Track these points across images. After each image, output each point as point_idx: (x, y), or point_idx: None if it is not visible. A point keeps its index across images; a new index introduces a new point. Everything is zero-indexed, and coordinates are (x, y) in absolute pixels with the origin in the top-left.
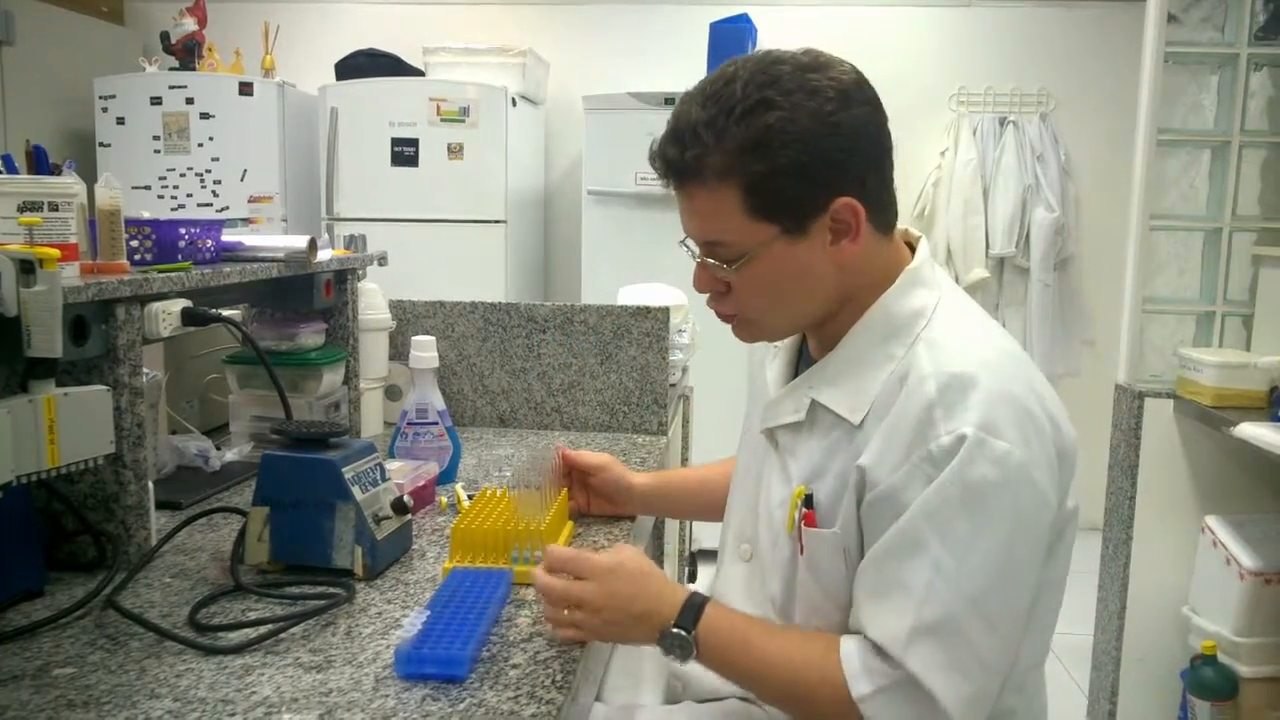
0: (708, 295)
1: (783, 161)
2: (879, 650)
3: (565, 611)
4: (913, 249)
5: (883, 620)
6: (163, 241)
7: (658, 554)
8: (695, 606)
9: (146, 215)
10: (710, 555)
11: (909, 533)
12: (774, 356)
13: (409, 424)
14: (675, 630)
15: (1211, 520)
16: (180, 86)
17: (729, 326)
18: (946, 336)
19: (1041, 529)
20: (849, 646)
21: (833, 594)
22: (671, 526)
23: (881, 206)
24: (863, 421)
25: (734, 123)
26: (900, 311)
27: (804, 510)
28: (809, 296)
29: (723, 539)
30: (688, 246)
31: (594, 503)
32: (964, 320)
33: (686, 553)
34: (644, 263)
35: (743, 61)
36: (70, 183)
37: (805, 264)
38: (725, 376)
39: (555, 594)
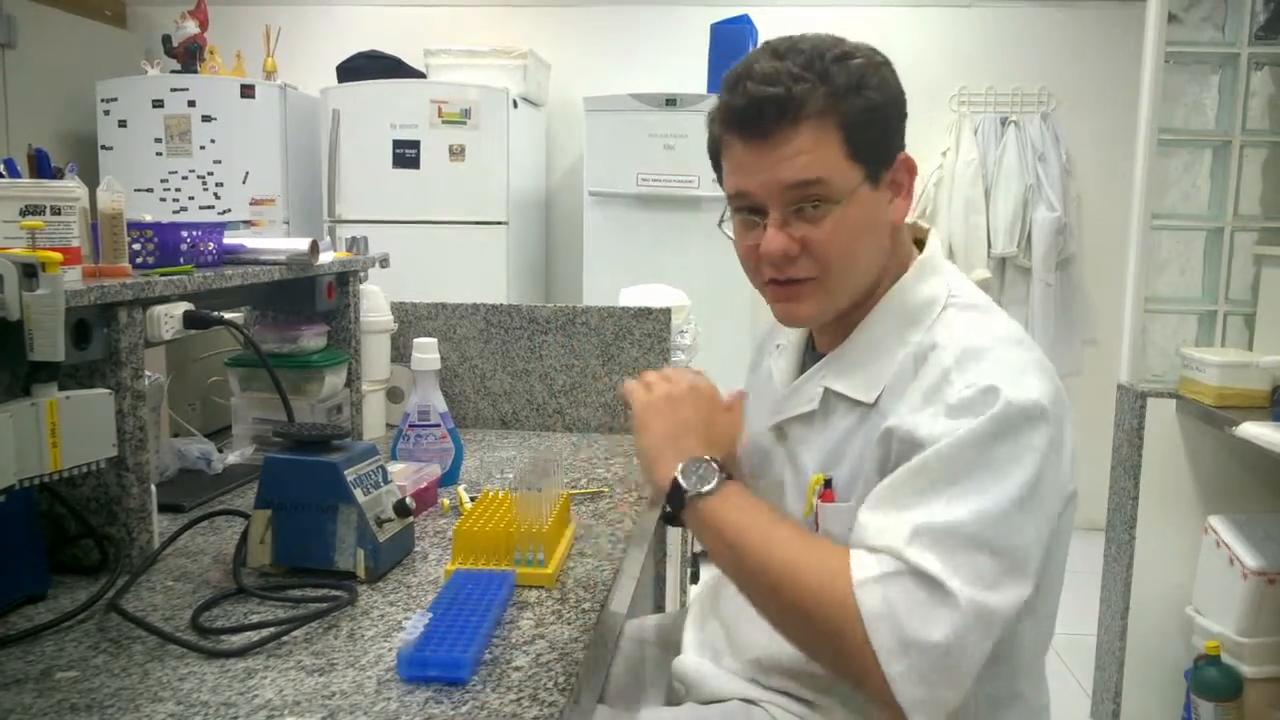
0: (771, 265)
1: (873, 102)
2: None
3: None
4: (921, 243)
5: (885, 525)
6: (165, 244)
7: (661, 555)
8: (724, 467)
9: (148, 218)
10: None
11: (930, 464)
12: (779, 355)
13: (411, 426)
14: (705, 458)
15: (1214, 520)
16: (182, 89)
17: (728, 325)
18: (961, 319)
19: (1058, 488)
20: (857, 549)
21: None
22: (673, 528)
23: None
24: (877, 400)
25: (832, 64)
26: (915, 299)
27: (822, 491)
28: (873, 256)
29: None
30: (724, 231)
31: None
32: (977, 307)
33: (689, 554)
34: (645, 264)
35: (795, 35)
36: (72, 186)
37: (875, 217)
38: (727, 377)
39: (665, 373)
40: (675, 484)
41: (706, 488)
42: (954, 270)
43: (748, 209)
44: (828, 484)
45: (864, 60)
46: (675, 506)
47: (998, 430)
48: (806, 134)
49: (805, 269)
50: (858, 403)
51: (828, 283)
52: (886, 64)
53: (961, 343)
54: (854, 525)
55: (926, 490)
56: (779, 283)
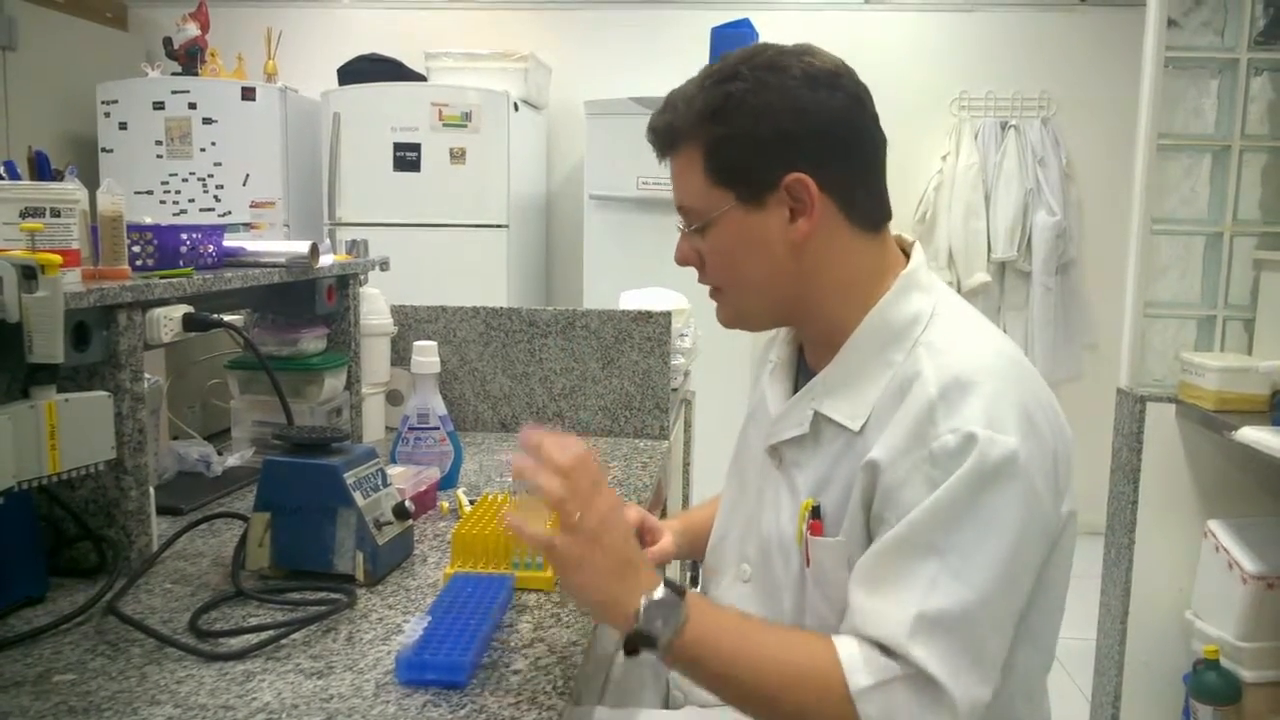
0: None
1: (736, 129)
2: (881, 647)
3: (561, 511)
4: (907, 254)
5: (884, 613)
6: (164, 247)
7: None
8: (677, 585)
9: (148, 221)
10: None
11: (913, 531)
12: (771, 372)
13: (410, 429)
14: (665, 592)
15: (1214, 524)
16: (183, 92)
17: (729, 330)
18: (945, 341)
19: (1042, 530)
20: (847, 641)
21: (840, 607)
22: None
23: (854, 198)
24: (863, 428)
25: (704, 89)
26: (897, 317)
27: (810, 521)
28: (767, 274)
29: (715, 561)
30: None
31: None
32: (962, 324)
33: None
34: (646, 267)
35: (737, 51)
36: (72, 188)
37: (760, 237)
38: (727, 381)
39: (573, 478)
40: (641, 633)
41: (675, 626)
42: (938, 283)
43: None
44: (816, 512)
45: (743, 86)
46: (648, 649)
47: (975, 488)
48: (678, 160)
49: (706, 279)
50: (845, 428)
51: (729, 295)
52: (792, 84)
53: (945, 373)
54: (845, 598)
55: (914, 562)
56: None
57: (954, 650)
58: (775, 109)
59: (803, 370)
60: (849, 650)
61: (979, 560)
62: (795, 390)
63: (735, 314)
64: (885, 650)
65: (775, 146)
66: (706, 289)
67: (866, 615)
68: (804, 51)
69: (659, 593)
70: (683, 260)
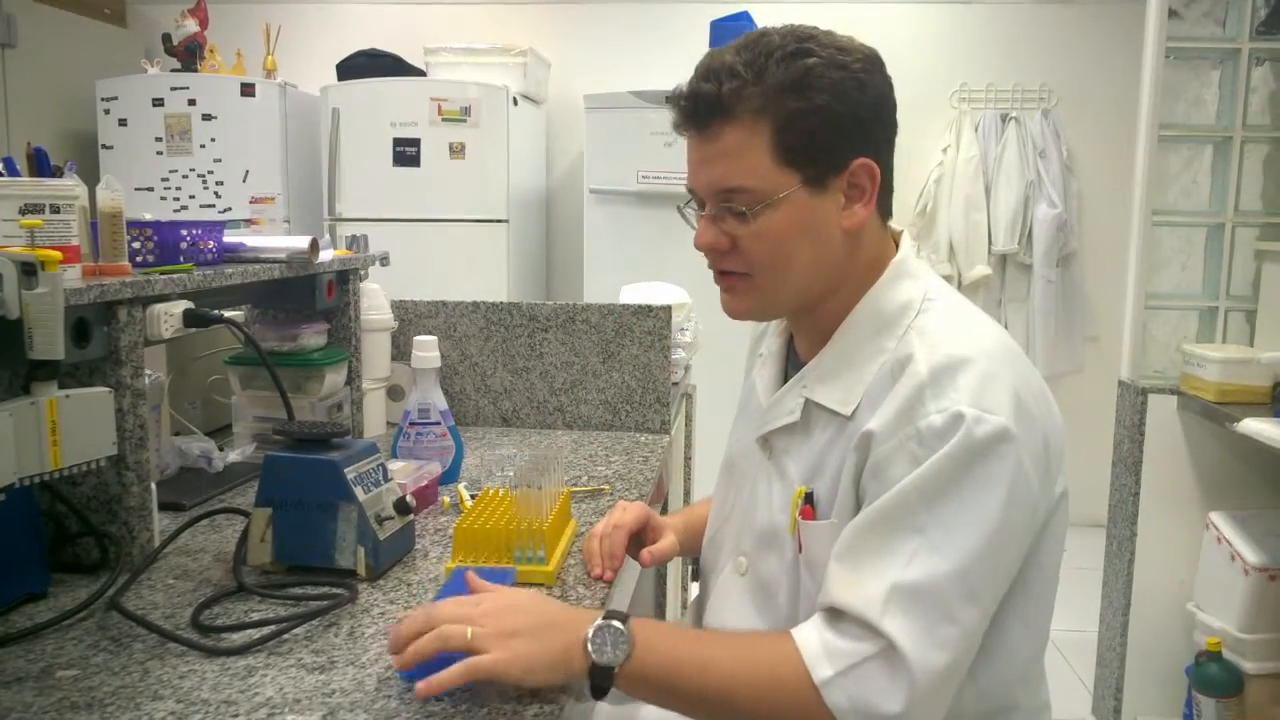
0: (709, 254)
1: (818, 104)
2: (845, 623)
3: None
4: (895, 244)
5: (860, 583)
6: (164, 243)
7: None
8: (618, 612)
9: (148, 217)
10: None
11: (896, 505)
12: (761, 365)
13: (411, 424)
14: (607, 622)
15: (1215, 516)
16: (182, 88)
17: (731, 325)
18: (937, 326)
19: (1028, 511)
20: (804, 632)
21: None
22: None
23: (889, 185)
24: (854, 412)
25: (774, 63)
26: (889, 304)
27: (802, 506)
28: (814, 260)
29: (711, 556)
30: (684, 215)
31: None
32: (953, 310)
33: None
34: (646, 261)
35: (773, 26)
36: (72, 185)
37: (818, 222)
38: (728, 375)
39: (435, 617)
40: (595, 667)
41: (625, 649)
42: (928, 271)
43: (695, 200)
44: (809, 498)
45: (820, 60)
46: (607, 681)
47: (960, 465)
48: (735, 134)
49: (735, 264)
50: (836, 414)
51: (759, 282)
52: (856, 66)
53: (936, 356)
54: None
55: (896, 537)
56: (719, 273)
57: (922, 621)
58: (850, 88)
59: (792, 360)
60: (808, 642)
61: (959, 534)
62: (785, 380)
63: (759, 304)
64: (852, 626)
65: (849, 127)
66: (705, 276)
67: (842, 585)
68: (846, 37)
69: (595, 626)
70: (710, 246)
